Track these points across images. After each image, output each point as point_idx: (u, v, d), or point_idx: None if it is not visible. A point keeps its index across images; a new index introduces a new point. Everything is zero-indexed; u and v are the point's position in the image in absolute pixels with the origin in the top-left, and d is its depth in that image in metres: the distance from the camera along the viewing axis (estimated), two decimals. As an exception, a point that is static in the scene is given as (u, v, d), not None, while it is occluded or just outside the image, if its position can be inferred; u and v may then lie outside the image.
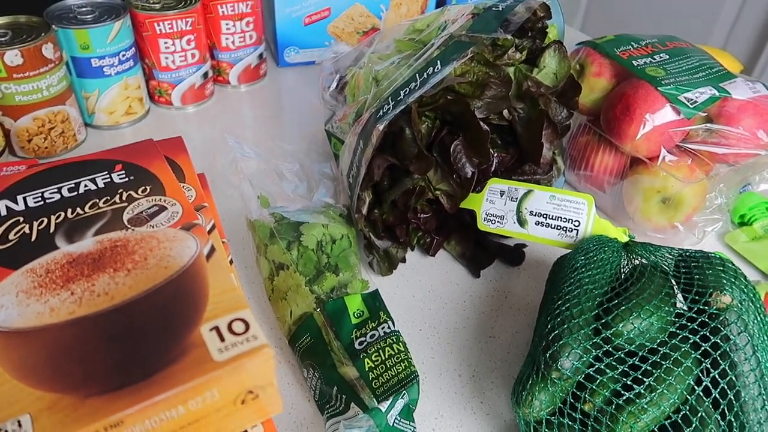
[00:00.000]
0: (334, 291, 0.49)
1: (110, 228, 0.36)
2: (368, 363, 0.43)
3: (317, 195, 0.61)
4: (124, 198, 0.39)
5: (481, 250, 0.60)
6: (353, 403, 0.41)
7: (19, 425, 0.26)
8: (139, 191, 0.39)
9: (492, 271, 0.59)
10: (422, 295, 0.56)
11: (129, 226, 0.36)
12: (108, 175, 0.40)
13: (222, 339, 0.30)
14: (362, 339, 0.45)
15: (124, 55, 0.71)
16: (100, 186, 0.40)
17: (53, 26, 0.65)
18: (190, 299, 0.32)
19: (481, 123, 0.51)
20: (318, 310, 0.47)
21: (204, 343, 0.30)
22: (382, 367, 0.43)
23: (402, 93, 0.52)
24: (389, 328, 0.45)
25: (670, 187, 0.57)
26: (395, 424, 0.39)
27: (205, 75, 0.80)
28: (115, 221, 0.37)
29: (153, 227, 0.36)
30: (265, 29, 0.87)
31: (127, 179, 0.40)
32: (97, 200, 0.38)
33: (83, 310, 0.31)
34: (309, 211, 0.56)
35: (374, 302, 0.48)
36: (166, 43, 0.73)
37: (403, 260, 0.58)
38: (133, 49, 0.72)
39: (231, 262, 0.46)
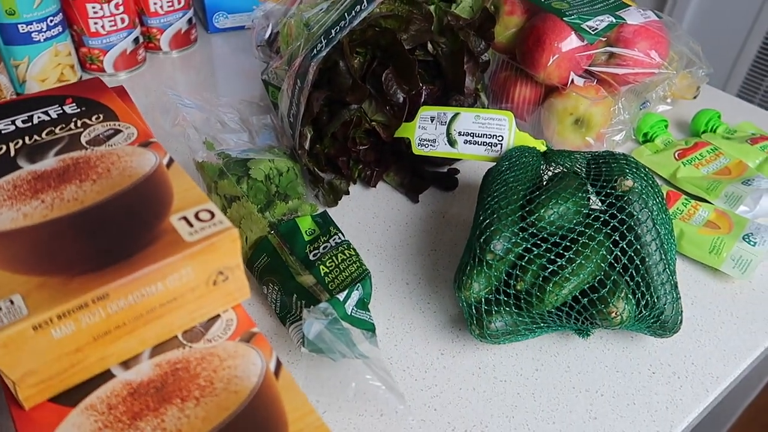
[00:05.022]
0: (286, 216, 0.53)
1: (70, 149, 0.38)
2: (323, 269, 0.47)
3: (260, 140, 0.64)
4: (79, 125, 0.41)
5: (418, 179, 0.64)
6: (312, 306, 0.45)
7: (12, 303, 0.29)
8: (93, 118, 0.41)
9: (429, 197, 0.64)
10: (367, 221, 0.60)
11: (88, 146, 0.39)
12: (60, 108, 0.42)
13: (191, 225, 0.33)
14: (316, 251, 0.49)
15: (52, 21, 0.71)
16: (53, 116, 0.41)
17: (-24, -9, 0.65)
18: (157, 198, 0.35)
19: (408, 53, 0.55)
20: (272, 232, 0.51)
21: (175, 229, 0.33)
22: (336, 271, 0.47)
23: (333, 31, 0.56)
24: (340, 238, 0.50)
25: (580, 107, 0.64)
26: (353, 314, 0.43)
27: (136, 41, 0.81)
28: (74, 143, 0.39)
29: (111, 146, 0.39)
30: (192, -5, 0.88)
31: (79, 110, 0.42)
32: (53, 128, 0.40)
33: (55, 213, 0.33)
34: (254, 151, 0.59)
35: (324, 221, 0.52)
36: (94, 8, 0.74)
37: (347, 192, 0.62)
38: (61, 14, 0.73)
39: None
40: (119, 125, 0.41)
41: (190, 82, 0.84)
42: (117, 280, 0.30)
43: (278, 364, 0.34)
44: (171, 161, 0.38)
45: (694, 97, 0.78)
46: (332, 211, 0.61)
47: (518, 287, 0.45)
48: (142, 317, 0.32)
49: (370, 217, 0.61)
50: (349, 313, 0.43)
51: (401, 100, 0.56)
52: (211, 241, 0.33)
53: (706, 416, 0.51)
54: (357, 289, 0.44)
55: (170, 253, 0.32)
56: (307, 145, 0.59)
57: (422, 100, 0.61)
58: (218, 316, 0.37)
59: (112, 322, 0.31)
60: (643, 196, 0.47)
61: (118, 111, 0.43)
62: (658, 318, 0.46)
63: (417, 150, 0.59)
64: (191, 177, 0.63)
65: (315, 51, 0.56)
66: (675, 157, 0.67)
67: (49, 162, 0.37)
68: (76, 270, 0.30)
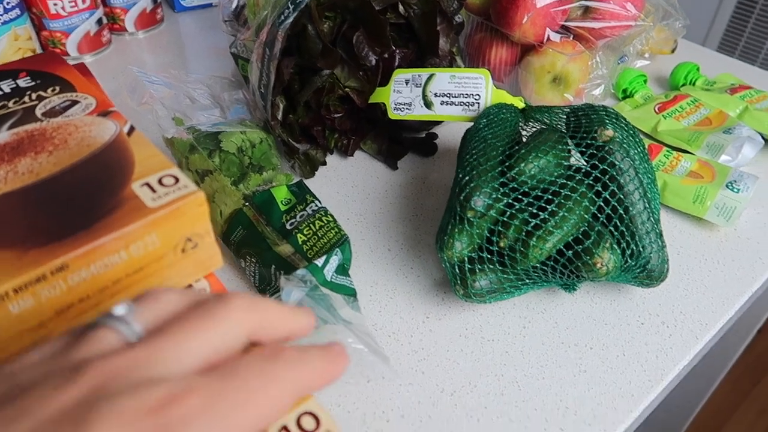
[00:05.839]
0: (260, 187, 0.51)
1: (24, 122, 0.36)
2: (301, 237, 0.46)
3: (232, 114, 0.62)
4: (33, 98, 0.39)
5: (396, 145, 0.63)
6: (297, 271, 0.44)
7: (-37, 278, 0.27)
8: (48, 91, 0.39)
9: (408, 163, 0.62)
10: (346, 191, 0.59)
11: (43, 118, 0.37)
12: (13, 82, 0.40)
13: (154, 191, 0.32)
14: (292, 220, 0.47)
15: (8, 3, 0.68)
16: (6, 91, 0.39)
17: (-76, -26, 0.62)
18: (117, 166, 0.33)
19: (379, 14, 0.54)
20: (247, 204, 0.49)
21: (137, 195, 0.31)
22: (314, 238, 0.46)
23: (300, -5, 0.54)
24: (316, 205, 0.48)
25: (557, 64, 0.63)
26: (333, 279, 0.42)
27: (100, 21, 0.78)
28: (28, 116, 0.37)
29: (69, 117, 0.37)
30: (156, -27, 0.85)
31: (33, 83, 0.40)
32: (6, 102, 0.38)
33: (9, 187, 0.32)
34: (226, 123, 0.57)
35: (300, 189, 0.50)
36: (52, -12, 0.71)
37: (324, 163, 0.61)
38: (17, -4, 0.70)
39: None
40: (76, 96, 0.39)
41: (159, 62, 0.82)
42: (75, 250, 0.28)
43: (132, 128, 0.35)
44: (132, 129, 0.36)
45: (672, 51, 0.77)
46: (310, 183, 0.60)
47: (501, 244, 0.44)
48: (108, 289, 0.31)
49: (348, 187, 0.59)
50: (328, 279, 0.42)
51: (373, 62, 0.54)
52: (176, 206, 0.31)
53: (693, 372, 0.51)
54: (336, 254, 0.43)
55: (132, 220, 0.30)
56: (279, 116, 0.57)
57: (396, 63, 0.60)
58: (77, 101, 0.37)
59: (74, 294, 0.29)
60: (624, 145, 0.46)
61: (76, 82, 0.41)
62: (644, 267, 0.45)
63: (393, 114, 0.57)
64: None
65: (282, 17, 0.54)
66: (655, 111, 0.66)
67: (2, 136, 0.35)
68: (32, 243, 0.29)
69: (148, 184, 0.32)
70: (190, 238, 0.33)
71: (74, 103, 0.38)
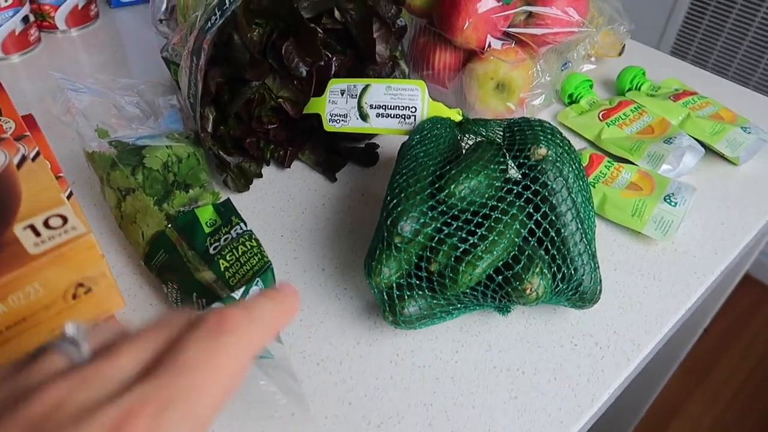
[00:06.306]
0: (185, 207, 0.49)
1: None
2: (223, 263, 0.44)
3: (164, 122, 0.59)
4: None
5: (335, 156, 0.61)
6: (213, 305, 0.42)
7: None
8: (-65, 115, 0.36)
9: (348, 174, 0.61)
10: (282, 205, 0.57)
11: (-75, 148, 0.34)
12: None
13: (38, 234, 0.29)
14: (216, 244, 0.45)
15: None
16: None
17: None
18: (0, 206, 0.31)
19: (308, 22, 0.51)
20: (170, 226, 0.47)
21: (18, 240, 0.29)
22: (237, 265, 0.44)
23: (227, 2, 0.51)
24: (241, 228, 0.46)
25: (500, 71, 0.61)
26: (253, 311, 0.40)
27: (26, 19, 0.74)
28: None
29: (-46, 146, 0.34)
30: (89, -33, 0.81)
31: None
32: None
33: None
34: (151, 137, 0.54)
35: (226, 209, 0.48)
36: (-31, -15, 0.67)
37: (259, 175, 0.58)
38: (-69, -6, 0.65)
39: (70, 196, 0.44)
40: (-35, 121, 0.36)
41: (95, 62, 0.78)
42: (-58, 307, 0.26)
43: (23, 159, 0.33)
44: (23, 160, 0.34)
45: (620, 54, 0.76)
46: (245, 197, 0.57)
47: (432, 269, 0.43)
48: (-13, 343, 0.28)
49: (285, 200, 0.57)
50: (248, 311, 0.40)
51: (304, 74, 0.52)
52: (60, 252, 0.29)
53: (641, 375, 0.50)
54: (256, 284, 0.41)
55: (9, 269, 0.28)
56: (210, 128, 0.54)
57: (333, 72, 0.58)
58: None
59: (-55, 353, 0.27)
60: (557, 164, 0.45)
61: (-33, 105, 0.38)
62: (576, 290, 0.44)
63: (328, 126, 0.55)
64: (83, 169, 0.58)
65: (209, 24, 0.52)
66: (599, 118, 0.66)
67: None
68: None
69: (32, 227, 0.30)
70: (81, 283, 0.30)
71: (-38, 129, 0.35)
